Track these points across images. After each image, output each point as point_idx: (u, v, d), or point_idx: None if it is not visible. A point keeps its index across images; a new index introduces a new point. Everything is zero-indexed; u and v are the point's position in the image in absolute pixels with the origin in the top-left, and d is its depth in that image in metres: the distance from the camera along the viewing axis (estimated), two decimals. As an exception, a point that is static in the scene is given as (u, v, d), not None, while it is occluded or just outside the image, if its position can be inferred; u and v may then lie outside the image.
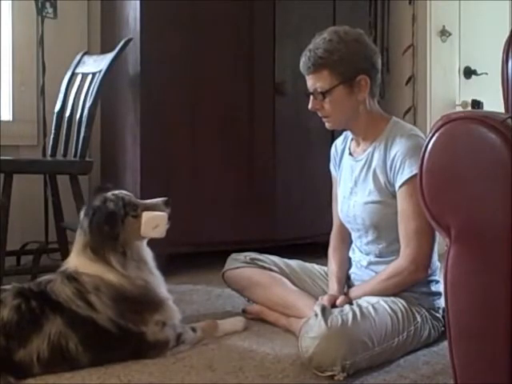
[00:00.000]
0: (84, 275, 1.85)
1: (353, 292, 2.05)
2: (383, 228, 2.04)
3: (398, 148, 1.96)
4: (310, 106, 2.06)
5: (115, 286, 1.84)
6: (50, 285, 1.82)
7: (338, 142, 2.27)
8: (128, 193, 1.99)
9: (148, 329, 1.85)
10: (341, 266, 2.19)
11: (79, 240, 1.92)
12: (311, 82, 2.04)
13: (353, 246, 2.23)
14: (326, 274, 2.28)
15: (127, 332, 1.81)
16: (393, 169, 1.97)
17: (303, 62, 2.04)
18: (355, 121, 2.08)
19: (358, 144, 2.15)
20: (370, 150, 2.07)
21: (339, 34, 2.01)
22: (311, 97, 2.05)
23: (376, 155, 2.04)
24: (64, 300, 1.78)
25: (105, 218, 1.88)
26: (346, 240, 2.25)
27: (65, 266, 1.91)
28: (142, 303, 1.88)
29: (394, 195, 1.99)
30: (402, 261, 1.96)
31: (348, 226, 2.19)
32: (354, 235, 2.19)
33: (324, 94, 2.01)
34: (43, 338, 1.71)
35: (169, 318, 1.92)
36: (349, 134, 2.21)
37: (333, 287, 2.12)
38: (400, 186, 1.94)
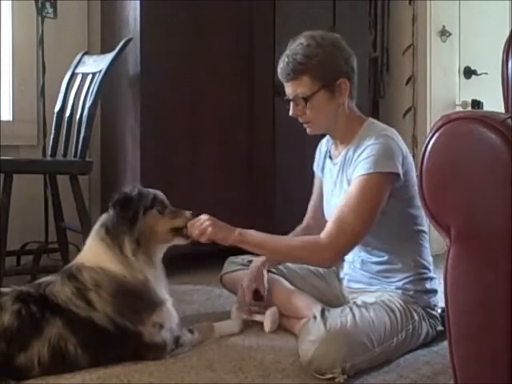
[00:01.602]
0: (85, 270, 1.84)
1: (251, 235, 2.01)
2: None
3: (366, 146, 1.94)
4: (290, 113, 2.05)
5: (116, 278, 1.83)
6: (50, 287, 1.81)
7: (323, 144, 2.28)
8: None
9: (145, 329, 1.83)
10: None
11: (101, 219, 1.94)
12: (291, 89, 2.02)
13: None
14: (324, 276, 2.28)
15: (125, 331, 1.80)
16: (355, 163, 1.95)
17: (281, 68, 2.03)
18: (334, 124, 2.07)
19: (336, 147, 2.15)
20: (343, 152, 2.07)
21: (316, 39, 2.01)
22: (291, 103, 2.04)
23: (349, 157, 2.03)
24: (63, 301, 1.78)
25: (121, 200, 1.90)
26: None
27: (74, 261, 1.92)
28: (141, 300, 1.86)
29: None
30: (321, 237, 1.88)
31: None
32: None
33: (306, 99, 2.00)
34: (44, 341, 1.71)
35: (166, 320, 1.90)
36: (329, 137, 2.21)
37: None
38: (357, 177, 1.90)
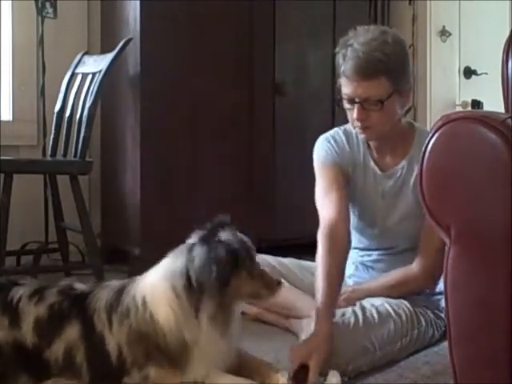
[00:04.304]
0: (133, 298, 1.59)
1: (355, 292, 2.01)
2: (418, 239, 1.96)
3: None
4: (355, 116, 1.84)
5: (155, 332, 1.55)
6: (98, 290, 1.65)
7: (337, 138, 2.05)
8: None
9: (135, 375, 1.57)
10: (335, 281, 1.83)
11: (177, 262, 1.60)
12: (362, 90, 1.81)
13: (355, 243, 2.18)
14: None
15: (120, 364, 1.57)
16: None
17: (354, 65, 1.79)
18: (390, 131, 1.93)
19: (383, 155, 2.01)
20: (403, 163, 1.97)
21: (390, 35, 1.84)
22: (356, 106, 1.84)
23: (414, 169, 1.91)
24: (92, 308, 1.61)
25: (227, 256, 1.53)
26: (340, 241, 1.91)
27: (136, 282, 1.64)
28: (159, 351, 1.56)
29: None
30: (416, 271, 1.93)
31: (366, 237, 2.10)
32: (366, 241, 2.12)
33: (382, 102, 1.81)
34: (62, 343, 1.59)
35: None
36: (356, 137, 2.03)
37: (320, 321, 1.73)
38: None
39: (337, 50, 1.89)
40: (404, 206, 1.98)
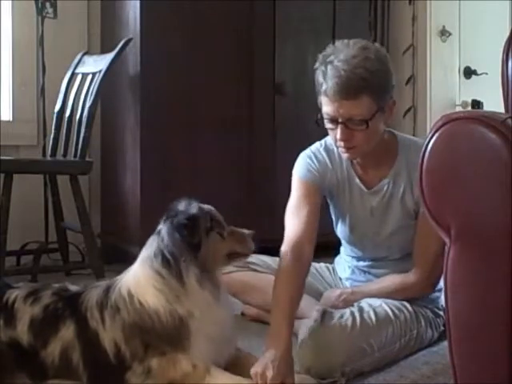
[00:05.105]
0: (119, 291, 1.63)
1: (353, 295, 2.00)
2: (411, 248, 1.96)
3: None
4: (339, 137, 1.78)
5: (150, 314, 1.59)
6: (89, 290, 1.69)
7: (319, 155, 2.01)
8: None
9: (137, 368, 1.59)
10: (295, 296, 1.75)
11: (153, 246, 1.67)
12: (345, 110, 1.74)
13: (348, 251, 2.18)
14: (320, 273, 2.24)
15: (120, 361, 1.60)
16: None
17: (336, 83, 1.72)
18: (374, 147, 1.88)
19: (368, 170, 1.97)
20: (388, 179, 1.94)
21: (371, 50, 1.76)
22: (340, 126, 1.77)
23: (400, 183, 1.92)
24: (84, 307, 1.64)
25: (186, 221, 1.64)
26: (305, 260, 1.87)
27: (120, 278, 1.69)
28: (158, 338, 1.60)
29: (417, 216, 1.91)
30: (415, 277, 1.93)
31: (358, 249, 2.10)
32: (359, 252, 2.11)
33: (366, 123, 1.74)
34: (57, 343, 1.61)
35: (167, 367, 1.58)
36: (338, 154, 1.96)
37: (279, 331, 1.64)
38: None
39: (316, 66, 1.81)
40: (394, 220, 1.97)
